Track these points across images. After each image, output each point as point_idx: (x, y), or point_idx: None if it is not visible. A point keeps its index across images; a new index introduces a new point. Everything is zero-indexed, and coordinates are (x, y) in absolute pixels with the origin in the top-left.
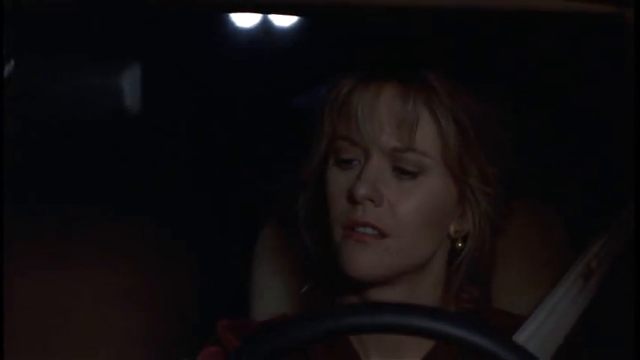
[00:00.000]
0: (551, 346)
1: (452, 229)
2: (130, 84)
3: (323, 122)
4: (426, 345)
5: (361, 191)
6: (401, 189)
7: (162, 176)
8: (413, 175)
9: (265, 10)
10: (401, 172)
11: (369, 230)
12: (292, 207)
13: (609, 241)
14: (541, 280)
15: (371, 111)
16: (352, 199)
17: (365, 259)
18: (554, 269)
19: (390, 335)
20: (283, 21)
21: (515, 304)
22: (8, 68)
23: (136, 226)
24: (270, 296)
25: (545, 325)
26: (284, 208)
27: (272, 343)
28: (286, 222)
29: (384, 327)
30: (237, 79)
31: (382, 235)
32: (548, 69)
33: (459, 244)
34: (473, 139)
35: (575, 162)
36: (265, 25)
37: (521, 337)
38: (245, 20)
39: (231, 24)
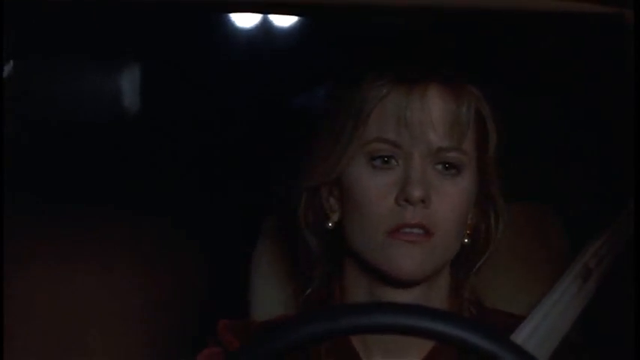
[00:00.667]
0: (549, 346)
1: None
2: (129, 84)
3: (352, 125)
4: (427, 345)
5: (416, 193)
6: (442, 188)
7: (163, 176)
8: (457, 170)
9: (265, 10)
10: (446, 169)
11: (416, 230)
12: (295, 210)
13: (608, 241)
14: (540, 280)
15: (419, 113)
16: (404, 201)
17: (415, 259)
18: (553, 269)
19: (391, 335)
20: (283, 21)
21: (514, 304)
22: (8, 68)
23: (136, 227)
24: (271, 297)
25: (543, 325)
26: (286, 210)
27: (272, 344)
28: (287, 224)
29: (384, 327)
30: (237, 79)
31: (429, 234)
32: (548, 69)
33: (466, 240)
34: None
35: (575, 162)
36: (265, 25)
37: (519, 337)
38: (245, 20)
39: (231, 24)
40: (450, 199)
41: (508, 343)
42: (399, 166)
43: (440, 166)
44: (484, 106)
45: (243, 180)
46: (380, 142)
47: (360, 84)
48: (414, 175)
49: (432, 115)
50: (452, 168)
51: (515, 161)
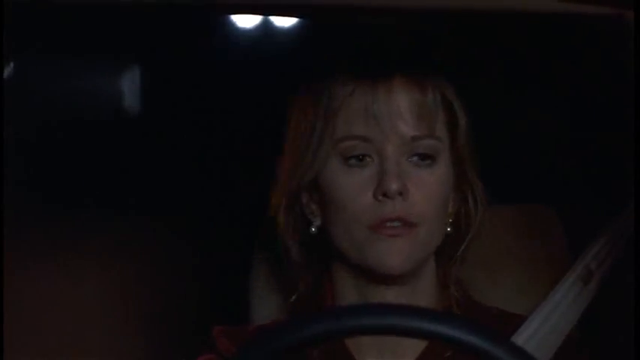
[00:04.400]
0: (550, 348)
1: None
2: (130, 84)
3: (320, 125)
4: (420, 345)
5: (393, 187)
6: (418, 178)
7: (162, 177)
8: (432, 159)
9: (265, 10)
10: (421, 159)
11: (397, 224)
12: (272, 217)
13: (609, 242)
14: (541, 281)
15: (385, 105)
16: (382, 196)
17: (399, 253)
18: (553, 270)
19: (385, 336)
20: (284, 22)
21: (515, 304)
22: (8, 68)
23: (134, 230)
24: (268, 302)
25: (544, 326)
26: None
27: (268, 347)
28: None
29: (383, 329)
30: (237, 79)
31: (411, 225)
32: (548, 69)
33: (448, 229)
34: (469, 124)
35: (575, 162)
36: (265, 25)
37: (520, 339)
38: (245, 21)
39: (231, 24)
40: (428, 189)
41: (509, 344)
42: (373, 161)
43: (415, 158)
44: (450, 92)
45: (243, 182)
46: (351, 140)
47: (326, 83)
48: (389, 169)
49: (399, 106)
50: (427, 158)
51: (516, 162)
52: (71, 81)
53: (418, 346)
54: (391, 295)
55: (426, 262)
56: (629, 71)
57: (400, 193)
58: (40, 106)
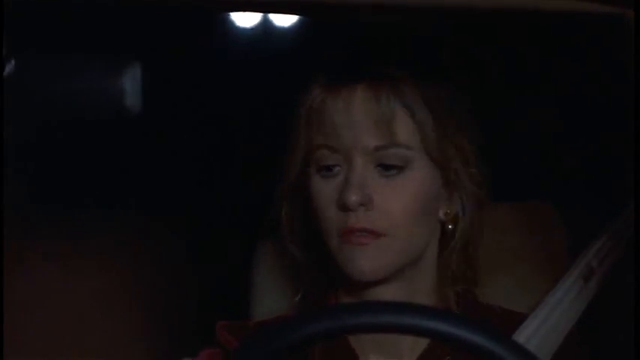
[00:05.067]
0: (551, 346)
1: (441, 212)
2: (129, 83)
3: (298, 134)
4: (424, 343)
5: (352, 198)
6: (388, 187)
7: (163, 177)
8: (399, 169)
9: (265, 9)
10: (386, 169)
11: (363, 233)
12: (276, 218)
13: (609, 240)
14: (541, 280)
15: (346, 115)
16: (344, 207)
17: (367, 260)
18: (554, 268)
19: (388, 334)
20: (284, 21)
21: (515, 303)
22: (8, 68)
23: (136, 227)
24: (270, 298)
25: (545, 325)
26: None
27: (271, 344)
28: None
29: (385, 327)
30: (237, 78)
31: (377, 235)
32: (548, 69)
33: (450, 227)
34: (448, 123)
35: (575, 162)
36: (266, 25)
37: (521, 337)
38: (245, 20)
39: (231, 24)
40: (400, 197)
41: (510, 342)
42: (343, 171)
43: (384, 164)
44: (410, 96)
45: (245, 181)
46: (322, 149)
47: (307, 89)
48: (351, 180)
49: (359, 116)
50: (392, 168)
51: (516, 161)
52: (71, 81)
53: (420, 343)
54: (389, 294)
55: (420, 261)
56: (629, 71)
57: (363, 204)
58: (40, 106)
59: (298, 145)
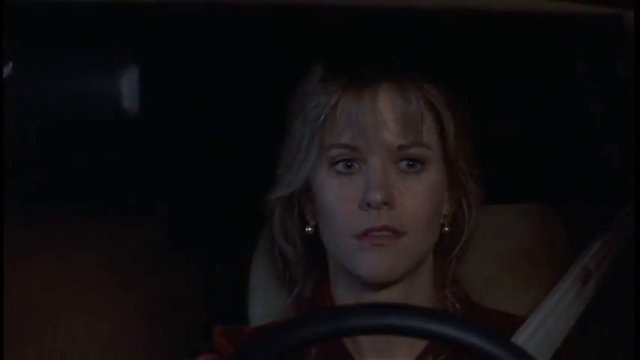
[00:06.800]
0: (549, 348)
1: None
2: (129, 83)
3: (309, 132)
4: (420, 345)
5: (378, 197)
6: (407, 186)
7: (163, 177)
8: (421, 164)
9: (266, 8)
10: (408, 164)
11: (385, 233)
12: (270, 221)
13: (608, 242)
14: (540, 281)
15: (371, 114)
16: (367, 205)
17: (385, 262)
18: (553, 270)
19: (384, 335)
20: (285, 20)
21: (514, 304)
22: (8, 68)
23: (135, 228)
24: (268, 303)
25: (543, 327)
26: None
27: (266, 348)
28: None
29: (383, 329)
30: (237, 79)
31: (398, 234)
32: (548, 70)
33: (446, 229)
34: (461, 124)
35: (575, 162)
36: (266, 24)
37: (519, 339)
38: (246, 20)
39: (231, 23)
40: (416, 196)
41: (509, 344)
42: (361, 169)
43: (403, 164)
44: (435, 97)
45: (243, 182)
46: (338, 148)
47: (314, 89)
48: (374, 179)
49: (384, 115)
50: (416, 163)
51: (516, 162)
52: (71, 81)
53: (417, 346)
54: (385, 296)
55: (422, 263)
56: (629, 71)
57: (386, 203)
58: (40, 106)
59: (310, 145)
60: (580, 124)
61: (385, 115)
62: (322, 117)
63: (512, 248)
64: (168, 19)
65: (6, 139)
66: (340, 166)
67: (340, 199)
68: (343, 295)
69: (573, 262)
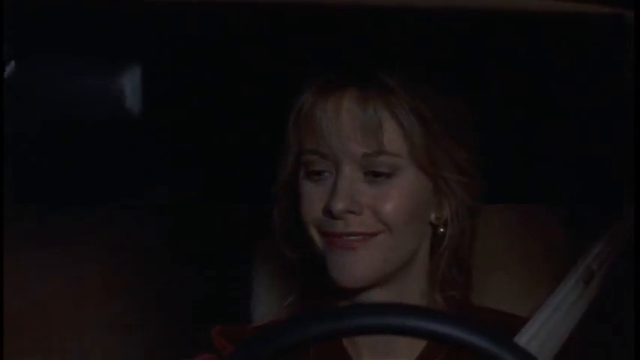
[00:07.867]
0: (552, 349)
1: (432, 216)
2: (129, 83)
3: (290, 137)
4: (418, 345)
5: (339, 206)
6: (377, 193)
7: (162, 177)
8: (387, 176)
9: (266, 8)
10: (374, 176)
11: (352, 237)
12: (270, 219)
13: (610, 242)
14: (541, 282)
15: (334, 122)
16: (330, 214)
17: (356, 265)
18: (553, 270)
19: (383, 335)
20: (284, 20)
21: (515, 305)
22: (8, 68)
23: (135, 228)
24: (268, 303)
25: (545, 327)
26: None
27: (265, 347)
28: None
29: (384, 328)
30: (238, 79)
31: (372, 234)
32: (548, 70)
33: (441, 230)
34: (439, 131)
35: (575, 162)
36: (266, 24)
37: (521, 340)
38: (246, 19)
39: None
40: (391, 199)
41: (511, 344)
42: (332, 176)
43: (373, 171)
44: (400, 106)
45: (244, 183)
46: (309, 154)
47: (298, 93)
48: (339, 187)
49: (345, 124)
50: (380, 175)
51: (516, 162)
52: (71, 81)
53: (416, 346)
54: (379, 297)
55: (409, 266)
56: (629, 71)
57: (351, 211)
58: (40, 106)
59: (290, 147)
60: (580, 124)
61: (346, 123)
62: (294, 121)
63: (512, 248)
64: (169, 20)
65: (6, 139)
66: (313, 174)
67: (310, 204)
68: (337, 297)
69: (573, 263)
